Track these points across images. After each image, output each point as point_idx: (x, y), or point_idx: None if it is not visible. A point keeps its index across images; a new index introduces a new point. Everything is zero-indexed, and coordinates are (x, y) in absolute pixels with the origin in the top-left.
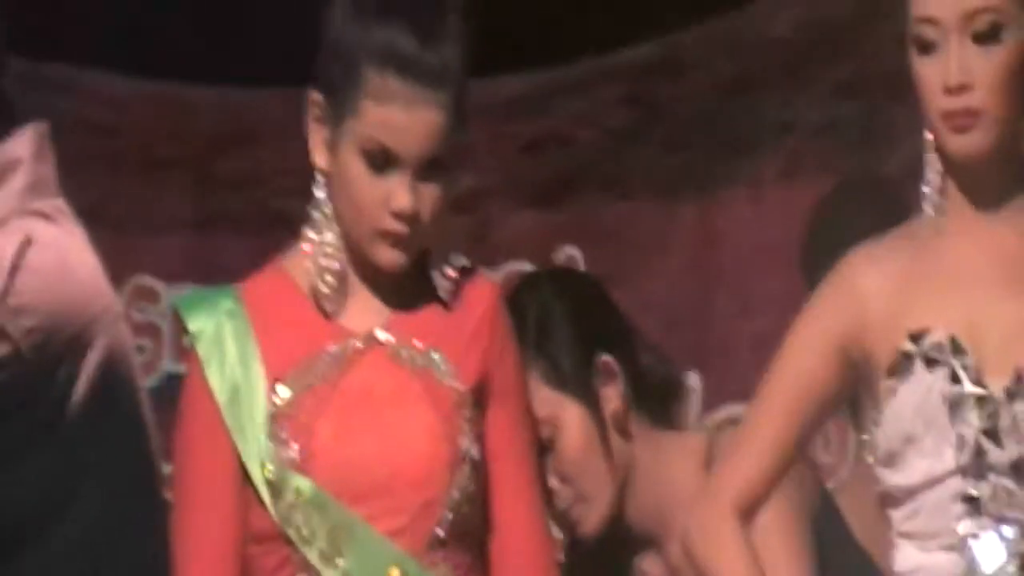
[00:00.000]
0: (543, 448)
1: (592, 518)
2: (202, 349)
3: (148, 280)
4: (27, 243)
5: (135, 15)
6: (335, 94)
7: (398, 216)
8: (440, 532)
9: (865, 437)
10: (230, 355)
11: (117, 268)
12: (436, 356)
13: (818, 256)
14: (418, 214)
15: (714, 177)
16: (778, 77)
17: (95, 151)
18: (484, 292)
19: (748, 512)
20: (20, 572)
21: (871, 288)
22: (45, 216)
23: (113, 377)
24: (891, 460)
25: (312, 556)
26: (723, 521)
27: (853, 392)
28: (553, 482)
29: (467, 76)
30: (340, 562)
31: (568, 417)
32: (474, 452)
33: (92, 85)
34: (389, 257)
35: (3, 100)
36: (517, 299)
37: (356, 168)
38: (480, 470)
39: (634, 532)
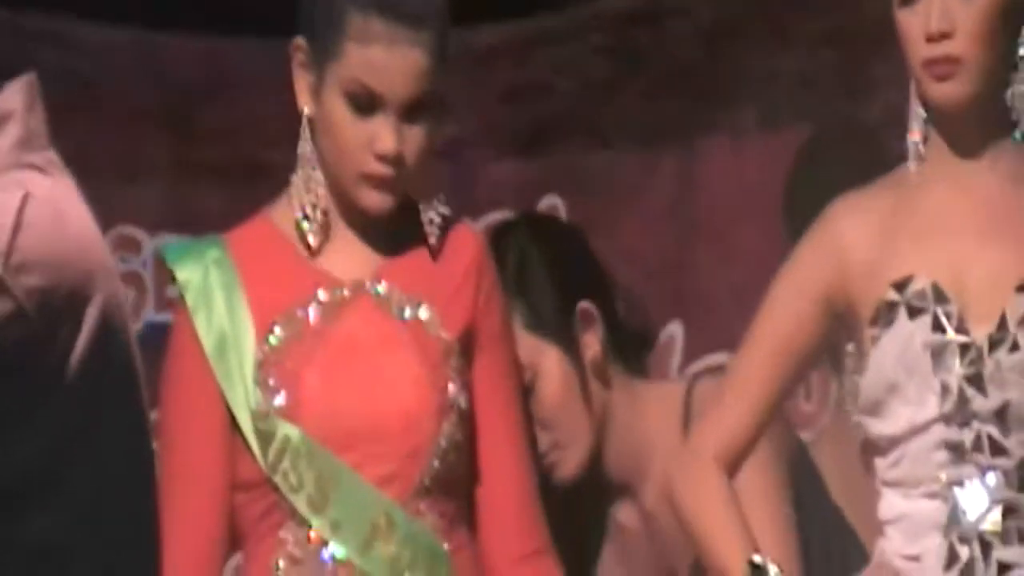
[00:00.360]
0: (525, 393)
1: (569, 464)
2: (190, 298)
3: (130, 229)
4: (26, 199)
5: None
6: (319, 39)
7: (382, 158)
8: (426, 480)
9: (846, 386)
10: (217, 304)
11: (99, 218)
12: (423, 306)
13: (798, 204)
14: (402, 156)
15: (695, 126)
16: (759, 26)
17: (74, 100)
18: (469, 242)
19: (732, 464)
20: (26, 530)
21: (853, 238)
22: (39, 169)
23: (110, 331)
24: (875, 409)
25: (300, 504)
26: (707, 472)
27: (836, 342)
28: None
29: (449, 22)
30: (328, 509)
31: (547, 363)
32: (461, 401)
33: (71, 34)
34: (373, 200)
35: None
36: (496, 245)
37: (340, 111)
38: (467, 419)
39: (610, 479)
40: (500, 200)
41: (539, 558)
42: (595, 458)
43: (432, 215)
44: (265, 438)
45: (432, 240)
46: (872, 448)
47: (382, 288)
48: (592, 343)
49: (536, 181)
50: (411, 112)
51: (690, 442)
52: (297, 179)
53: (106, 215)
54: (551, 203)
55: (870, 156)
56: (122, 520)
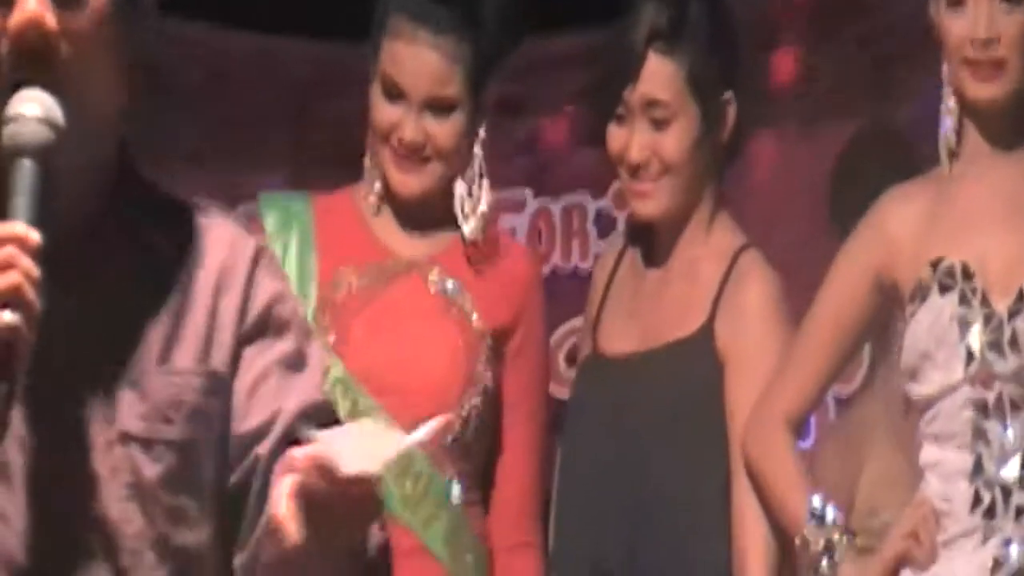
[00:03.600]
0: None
1: (661, 203)
2: (269, 227)
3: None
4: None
5: None
6: (374, 37)
7: (401, 143)
8: (448, 440)
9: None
10: (292, 247)
11: (230, 199)
12: (467, 296)
13: (842, 198)
14: (423, 146)
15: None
16: (801, 30)
17: (207, 97)
18: (523, 260)
19: (799, 424)
20: None
21: (900, 227)
22: None
23: None
24: (913, 374)
25: None
26: (776, 431)
27: (885, 317)
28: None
29: (490, 33)
30: None
31: (688, 115)
32: (488, 380)
33: (203, 37)
34: (401, 180)
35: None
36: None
37: (377, 97)
38: (493, 399)
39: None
40: (576, 184)
41: (526, 551)
42: (679, 220)
43: (465, 207)
44: None
45: (466, 230)
46: (913, 407)
47: (434, 272)
48: (725, 128)
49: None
50: (435, 108)
51: (763, 406)
52: (367, 160)
53: (236, 196)
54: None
55: (905, 153)
56: None
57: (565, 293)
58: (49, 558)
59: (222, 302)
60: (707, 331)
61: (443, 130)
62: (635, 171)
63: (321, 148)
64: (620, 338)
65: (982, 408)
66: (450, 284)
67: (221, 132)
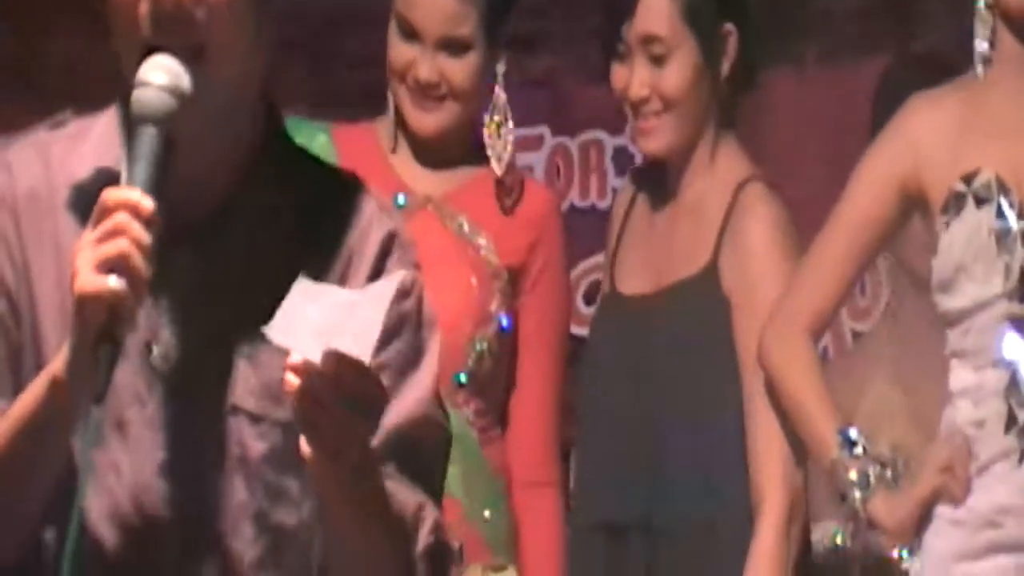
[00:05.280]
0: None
1: (663, 136)
2: None
3: None
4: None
5: None
6: None
7: (416, 83)
8: (462, 377)
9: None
10: None
11: None
12: (482, 234)
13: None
14: (437, 85)
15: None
16: None
17: None
18: (542, 200)
19: (818, 332)
20: None
21: (926, 134)
22: None
23: None
24: (945, 286)
25: None
26: (796, 337)
27: (906, 225)
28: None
29: None
30: None
31: (685, 49)
32: (502, 318)
33: None
34: (417, 118)
35: None
36: None
37: (392, 36)
38: (508, 335)
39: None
40: (593, 121)
41: (547, 490)
42: (684, 155)
43: (495, 147)
44: None
45: (496, 168)
46: (944, 321)
47: (449, 209)
48: (727, 61)
49: None
50: (448, 48)
51: (781, 313)
52: (389, 95)
53: None
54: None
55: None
56: None
57: (583, 231)
58: (152, 513)
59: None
60: (712, 269)
61: (458, 69)
62: (637, 108)
63: (339, 85)
64: (635, 277)
65: (1019, 323)
66: (465, 221)
67: None
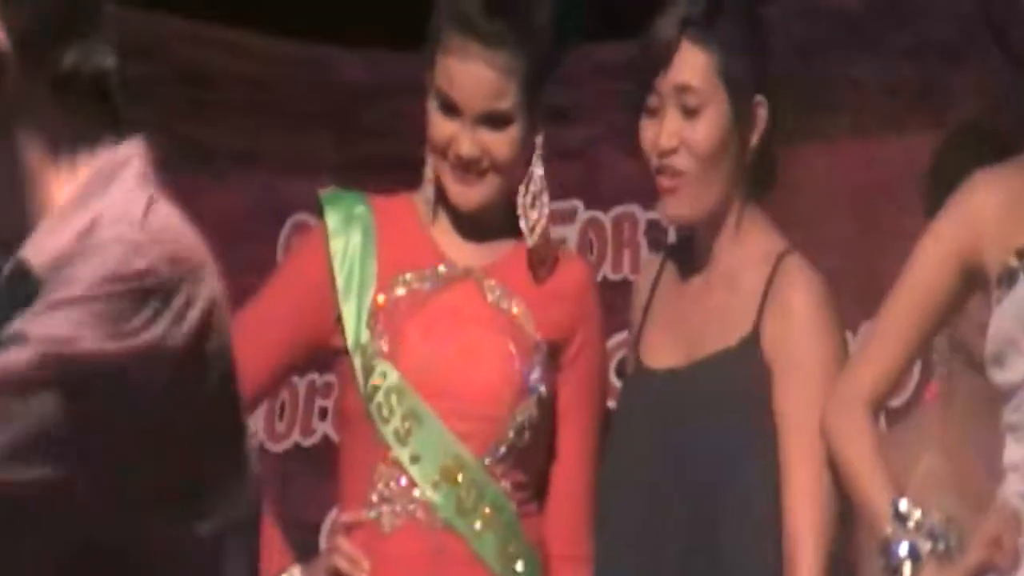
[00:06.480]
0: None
1: (684, 203)
2: (332, 222)
3: (303, 216)
4: (152, 198)
5: None
6: (430, 48)
7: (457, 159)
8: (502, 448)
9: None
10: (353, 243)
11: (275, 207)
12: (521, 305)
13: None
14: (477, 160)
15: (793, 131)
16: (847, 41)
17: (250, 104)
18: (578, 272)
19: (877, 404)
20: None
21: (987, 209)
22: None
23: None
24: (997, 360)
25: (387, 433)
26: (859, 418)
27: (967, 301)
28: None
29: (541, 45)
30: (410, 443)
31: (718, 104)
32: (542, 389)
33: (246, 43)
34: (459, 192)
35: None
36: None
37: (433, 112)
38: (547, 408)
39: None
40: (626, 194)
41: (581, 564)
42: (711, 223)
43: (529, 219)
44: (367, 370)
45: (529, 241)
46: (997, 395)
47: (489, 281)
48: (755, 132)
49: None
50: (489, 122)
51: (843, 385)
52: (427, 168)
53: (282, 206)
54: None
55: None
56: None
57: (616, 304)
58: None
59: None
60: (753, 340)
61: (500, 143)
62: (663, 161)
63: (367, 154)
64: (664, 351)
65: None
66: (505, 293)
67: (269, 136)
